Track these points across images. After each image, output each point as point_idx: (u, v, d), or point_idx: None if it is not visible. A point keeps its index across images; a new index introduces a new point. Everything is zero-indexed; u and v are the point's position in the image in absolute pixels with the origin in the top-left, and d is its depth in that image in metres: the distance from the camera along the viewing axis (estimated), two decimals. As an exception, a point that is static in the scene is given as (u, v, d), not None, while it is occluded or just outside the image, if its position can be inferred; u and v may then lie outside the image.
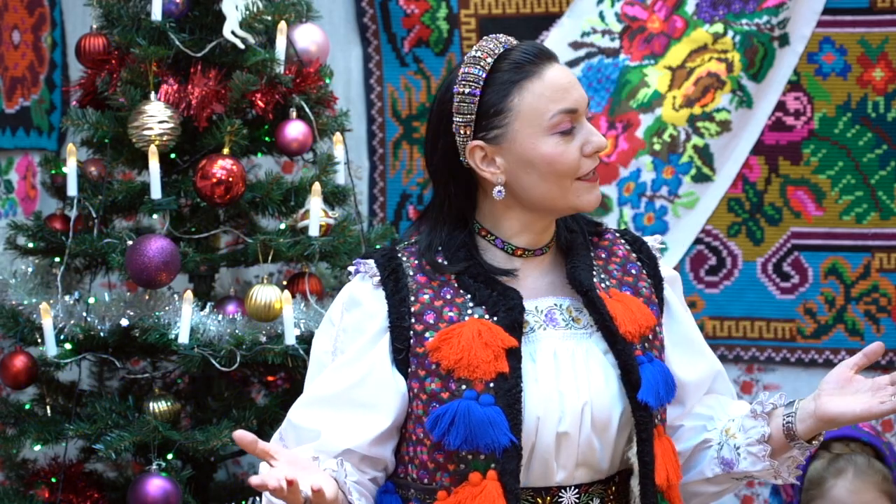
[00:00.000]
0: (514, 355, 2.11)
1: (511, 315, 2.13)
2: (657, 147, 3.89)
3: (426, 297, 2.16)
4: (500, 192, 2.16)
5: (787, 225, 3.88)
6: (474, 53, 2.17)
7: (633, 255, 2.28)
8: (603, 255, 2.25)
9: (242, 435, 1.95)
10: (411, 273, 2.18)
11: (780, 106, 3.85)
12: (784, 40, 3.81)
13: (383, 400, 2.14)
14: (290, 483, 1.90)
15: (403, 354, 2.14)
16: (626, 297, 2.20)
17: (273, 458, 1.96)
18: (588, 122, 2.18)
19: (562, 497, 2.14)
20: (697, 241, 3.93)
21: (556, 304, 2.19)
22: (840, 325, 3.85)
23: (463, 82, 2.15)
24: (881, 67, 3.78)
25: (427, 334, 2.13)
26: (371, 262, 2.20)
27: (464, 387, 2.09)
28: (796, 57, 3.82)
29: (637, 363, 2.15)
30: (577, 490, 2.15)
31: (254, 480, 1.90)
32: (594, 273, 2.21)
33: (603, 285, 2.20)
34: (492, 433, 2.06)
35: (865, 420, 2.18)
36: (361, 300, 2.19)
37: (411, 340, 2.14)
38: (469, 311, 2.14)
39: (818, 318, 3.86)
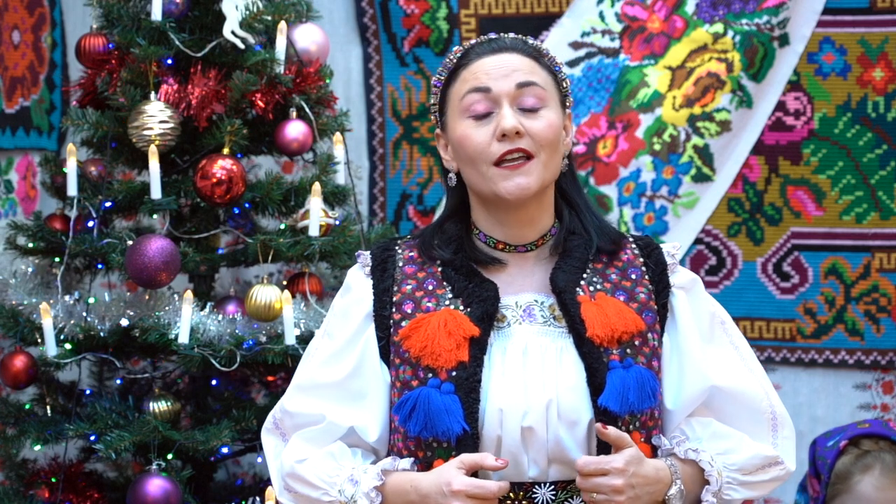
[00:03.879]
0: (477, 345, 2.12)
1: (483, 306, 2.15)
2: (657, 147, 3.89)
3: (409, 287, 2.20)
4: (451, 178, 2.24)
5: (787, 225, 3.87)
6: (454, 48, 2.26)
7: (641, 259, 2.25)
8: (604, 259, 2.23)
9: None
10: (400, 264, 2.23)
11: (780, 106, 3.85)
12: (784, 40, 3.81)
13: (374, 390, 2.19)
14: None
15: (384, 342, 2.19)
16: (609, 302, 2.17)
17: None
18: (509, 109, 2.15)
19: (536, 493, 2.13)
20: (697, 241, 3.93)
21: (536, 301, 2.20)
22: (840, 325, 3.85)
23: (435, 75, 2.25)
24: (881, 67, 3.78)
25: (403, 323, 2.17)
26: (368, 252, 2.28)
27: (430, 375, 2.12)
28: (796, 57, 3.82)
29: (606, 367, 2.11)
30: (552, 487, 2.13)
31: None
32: (584, 276, 2.20)
33: (591, 288, 2.18)
34: (447, 421, 2.08)
35: None
36: (352, 286, 2.26)
37: (391, 329, 2.18)
38: (447, 303, 2.17)
39: (818, 318, 3.86)
